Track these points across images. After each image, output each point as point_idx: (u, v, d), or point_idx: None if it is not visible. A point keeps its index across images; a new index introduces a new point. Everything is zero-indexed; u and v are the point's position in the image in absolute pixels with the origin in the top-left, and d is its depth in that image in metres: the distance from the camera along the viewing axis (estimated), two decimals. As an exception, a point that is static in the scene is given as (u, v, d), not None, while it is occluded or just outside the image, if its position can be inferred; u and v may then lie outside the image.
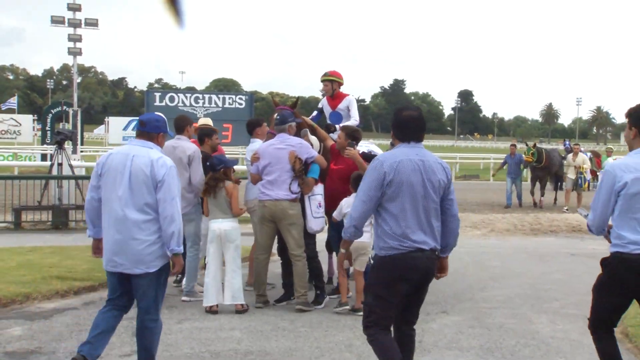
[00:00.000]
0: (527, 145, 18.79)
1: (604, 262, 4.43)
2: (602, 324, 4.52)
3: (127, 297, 4.80)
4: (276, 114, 7.41)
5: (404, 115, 4.40)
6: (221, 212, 6.94)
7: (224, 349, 5.61)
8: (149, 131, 4.79)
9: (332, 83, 8.43)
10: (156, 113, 5.37)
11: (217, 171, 6.95)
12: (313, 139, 7.65)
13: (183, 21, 2.04)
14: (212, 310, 6.81)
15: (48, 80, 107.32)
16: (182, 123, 7.62)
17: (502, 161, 19.55)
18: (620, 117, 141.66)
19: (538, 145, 19.27)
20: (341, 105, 8.42)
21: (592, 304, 4.54)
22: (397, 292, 4.20)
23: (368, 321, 4.28)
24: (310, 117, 8.67)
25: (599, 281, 4.51)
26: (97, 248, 4.88)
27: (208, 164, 7.12)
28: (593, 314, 4.54)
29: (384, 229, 4.19)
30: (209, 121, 8.37)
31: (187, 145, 7.37)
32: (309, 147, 7.14)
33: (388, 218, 4.18)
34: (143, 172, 4.58)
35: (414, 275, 4.19)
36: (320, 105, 8.74)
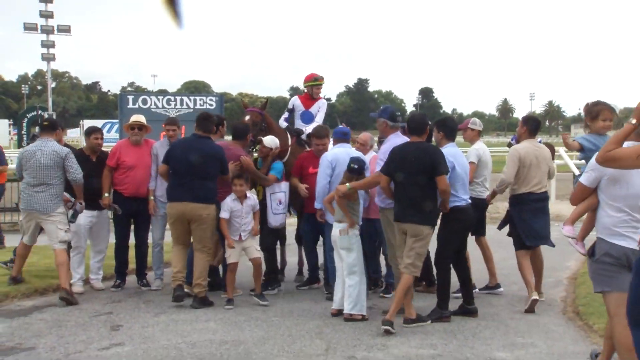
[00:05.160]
0: None
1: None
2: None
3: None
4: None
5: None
6: (340, 215, 6.72)
7: (199, 340, 5.81)
8: (348, 138, 7.60)
9: (321, 86, 8.91)
10: (343, 125, 8.35)
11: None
12: (272, 138, 7.84)
13: (182, 21, 2.10)
14: (334, 314, 6.62)
15: (23, 85, 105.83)
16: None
17: None
18: (570, 111, 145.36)
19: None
20: (314, 106, 8.77)
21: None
22: None
23: None
24: (282, 117, 8.94)
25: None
26: None
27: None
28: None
29: None
30: (141, 118, 8.21)
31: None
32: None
33: None
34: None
35: None
36: (290, 106, 8.95)
